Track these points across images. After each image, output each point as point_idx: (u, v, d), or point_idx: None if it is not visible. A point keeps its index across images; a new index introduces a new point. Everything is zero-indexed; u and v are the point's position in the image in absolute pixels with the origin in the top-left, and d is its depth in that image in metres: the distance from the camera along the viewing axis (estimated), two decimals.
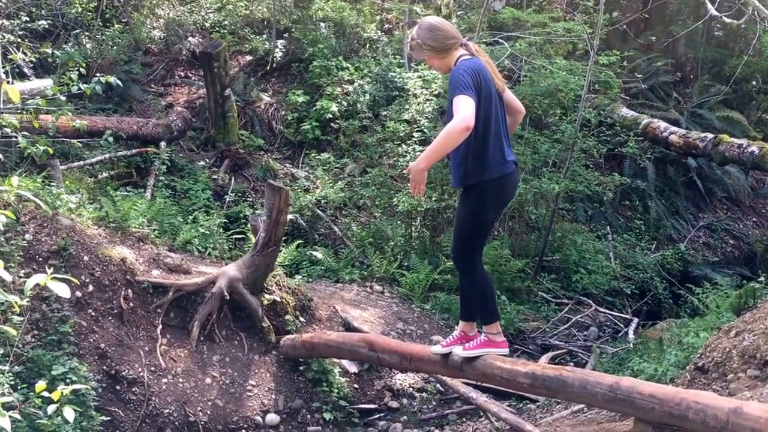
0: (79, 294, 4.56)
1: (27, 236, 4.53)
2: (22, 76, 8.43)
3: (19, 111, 5.12)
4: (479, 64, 3.33)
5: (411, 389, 5.57)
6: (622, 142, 8.50)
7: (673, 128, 9.29)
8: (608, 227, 9.18)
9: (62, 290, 1.73)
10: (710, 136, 8.63)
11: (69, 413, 1.85)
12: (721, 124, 10.52)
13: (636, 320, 7.24)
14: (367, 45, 10.81)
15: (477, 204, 3.45)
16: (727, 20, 8.95)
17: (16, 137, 4.75)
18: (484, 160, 3.35)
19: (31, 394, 3.10)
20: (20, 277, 4.28)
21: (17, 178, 2.55)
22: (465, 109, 3.09)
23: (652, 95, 11.05)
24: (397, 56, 10.16)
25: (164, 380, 4.70)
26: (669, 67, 11.44)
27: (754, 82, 11.98)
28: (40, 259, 4.51)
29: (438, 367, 3.99)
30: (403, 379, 5.58)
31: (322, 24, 10.84)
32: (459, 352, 3.66)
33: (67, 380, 3.98)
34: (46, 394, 2.02)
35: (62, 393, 1.93)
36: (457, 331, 3.78)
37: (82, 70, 5.33)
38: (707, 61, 12.02)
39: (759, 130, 11.17)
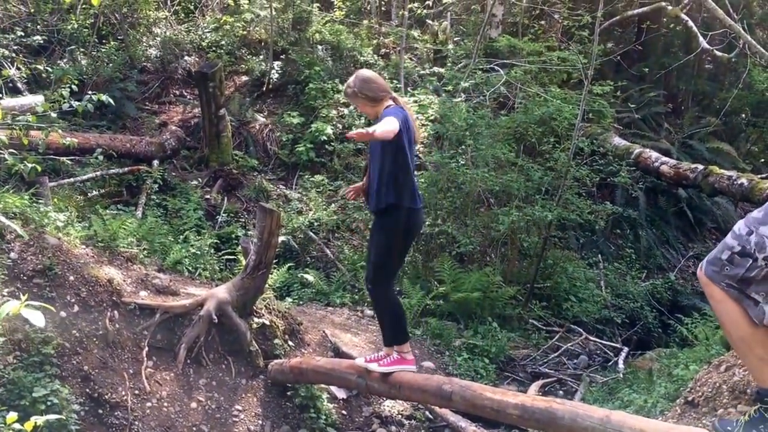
0: (63, 314, 4.48)
1: (12, 255, 4.46)
2: (16, 92, 8.41)
3: (9, 126, 5.07)
4: (406, 114, 3.85)
5: (400, 416, 5.49)
6: (614, 171, 8.55)
7: (664, 158, 9.36)
8: (599, 255, 9.19)
9: (37, 319, 1.67)
10: (700, 167, 8.69)
11: None
12: (711, 155, 10.63)
13: (626, 349, 7.21)
14: (363, 68, 10.88)
15: (391, 229, 3.88)
16: (719, 54, 9.10)
17: (3, 154, 4.70)
18: (404, 187, 3.81)
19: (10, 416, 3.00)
20: (3, 296, 4.21)
21: None
22: (393, 124, 3.55)
23: (644, 125, 11.16)
24: (393, 80, 10.22)
25: (148, 404, 4.60)
26: (661, 98, 11.59)
27: (743, 115, 12.15)
28: (25, 278, 4.43)
29: (427, 395, 3.94)
30: (392, 406, 5.50)
31: (319, 47, 10.92)
32: (375, 368, 4.12)
33: (48, 403, 3.89)
34: (18, 426, 1.94)
35: (35, 423, 1.85)
36: (384, 351, 4.20)
37: (74, 86, 5.30)
38: (698, 94, 12.21)
39: (748, 162, 11.29)
